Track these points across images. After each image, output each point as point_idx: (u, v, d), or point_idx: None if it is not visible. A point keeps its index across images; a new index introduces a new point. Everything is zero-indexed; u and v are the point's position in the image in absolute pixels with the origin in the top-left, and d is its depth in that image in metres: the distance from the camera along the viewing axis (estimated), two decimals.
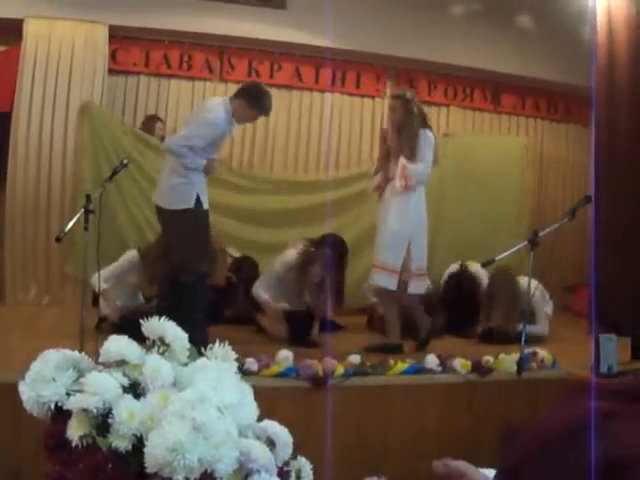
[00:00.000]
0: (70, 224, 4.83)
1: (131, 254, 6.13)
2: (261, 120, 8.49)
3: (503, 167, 8.79)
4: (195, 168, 5.32)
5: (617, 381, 0.73)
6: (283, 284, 6.43)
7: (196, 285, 5.33)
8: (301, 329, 6.13)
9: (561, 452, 0.67)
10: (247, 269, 7.24)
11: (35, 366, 1.74)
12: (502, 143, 9.35)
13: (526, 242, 5.37)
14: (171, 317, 1.91)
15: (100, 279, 5.44)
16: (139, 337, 1.91)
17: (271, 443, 1.85)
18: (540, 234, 5.39)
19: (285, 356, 4.78)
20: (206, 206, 5.46)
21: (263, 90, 5.60)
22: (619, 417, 0.67)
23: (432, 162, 5.88)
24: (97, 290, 5.66)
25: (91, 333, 4.82)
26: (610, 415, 0.67)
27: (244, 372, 4.12)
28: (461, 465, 1.27)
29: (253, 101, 5.44)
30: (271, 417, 1.94)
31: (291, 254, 6.41)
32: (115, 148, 7.54)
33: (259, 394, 1.92)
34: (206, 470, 1.62)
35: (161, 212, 5.54)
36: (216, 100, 5.66)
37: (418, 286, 5.99)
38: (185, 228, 5.37)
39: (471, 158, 8.60)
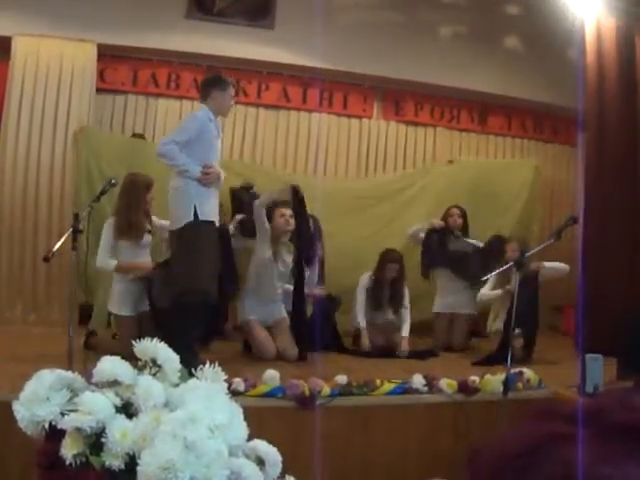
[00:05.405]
0: (58, 244, 4.78)
1: (109, 221, 5.95)
2: (248, 139, 8.59)
3: (514, 191, 8.72)
4: (188, 173, 5.20)
5: (574, 404, 0.76)
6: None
7: (196, 306, 5.20)
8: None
9: (514, 474, 0.71)
10: None
11: (30, 386, 1.76)
12: (512, 166, 9.23)
13: (512, 263, 5.39)
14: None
15: (106, 259, 5.82)
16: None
17: (260, 462, 1.87)
18: (526, 254, 5.43)
19: (271, 376, 4.78)
20: (207, 217, 5.28)
21: (215, 76, 5.89)
22: (568, 441, 0.70)
23: None
24: (110, 269, 5.89)
25: (79, 352, 4.81)
26: (560, 439, 0.71)
27: (232, 392, 4.11)
28: None
29: (217, 88, 5.54)
30: (258, 437, 1.96)
31: None
32: (114, 167, 7.24)
33: (246, 414, 1.94)
34: None
35: (170, 234, 5.54)
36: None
37: None
38: (185, 245, 5.24)
39: (482, 183, 8.53)
